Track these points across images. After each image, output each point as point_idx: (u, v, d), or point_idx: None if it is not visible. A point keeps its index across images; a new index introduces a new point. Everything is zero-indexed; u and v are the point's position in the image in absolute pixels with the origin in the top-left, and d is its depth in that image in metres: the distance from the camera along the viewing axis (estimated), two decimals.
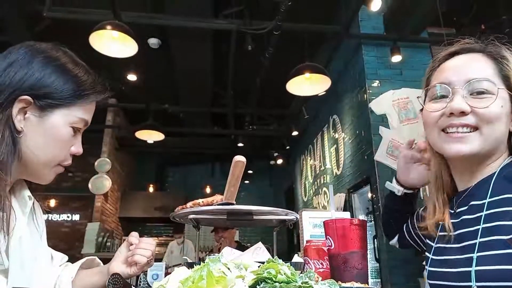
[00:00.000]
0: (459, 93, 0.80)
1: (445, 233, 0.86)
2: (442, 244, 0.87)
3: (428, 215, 0.92)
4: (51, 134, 0.80)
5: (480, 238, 0.74)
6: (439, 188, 0.92)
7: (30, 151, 0.79)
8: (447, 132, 0.81)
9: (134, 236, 1.02)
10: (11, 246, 0.80)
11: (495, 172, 0.80)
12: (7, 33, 5.02)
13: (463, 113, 0.78)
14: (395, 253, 4.18)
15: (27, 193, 0.88)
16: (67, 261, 1.09)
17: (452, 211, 0.87)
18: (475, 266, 0.72)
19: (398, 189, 1.09)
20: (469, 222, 0.80)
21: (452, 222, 0.85)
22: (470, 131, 0.79)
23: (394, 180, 1.11)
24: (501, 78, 0.81)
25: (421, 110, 0.93)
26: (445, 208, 0.90)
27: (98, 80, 0.87)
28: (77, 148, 0.85)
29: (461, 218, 0.83)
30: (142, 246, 0.99)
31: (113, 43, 3.89)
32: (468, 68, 0.82)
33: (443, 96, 0.83)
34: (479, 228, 0.76)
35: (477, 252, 0.73)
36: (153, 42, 5.88)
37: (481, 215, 0.76)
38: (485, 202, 0.77)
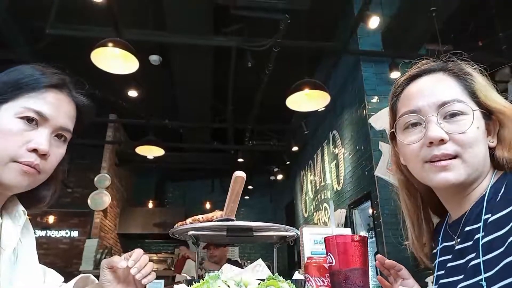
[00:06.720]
0: (433, 120, 0.77)
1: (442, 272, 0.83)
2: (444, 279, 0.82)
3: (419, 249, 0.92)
4: None
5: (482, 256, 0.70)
6: (421, 228, 0.91)
7: None
8: (431, 161, 0.78)
9: (117, 260, 0.86)
10: (2, 260, 0.79)
11: (485, 194, 0.77)
12: (9, 50, 5.07)
13: (442, 141, 0.76)
14: None
15: (20, 208, 0.87)
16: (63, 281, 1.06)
17: (454, 243, 0.82)
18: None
19: None
20: (465, 251, 0.76)
21: (448, 258, 0.82)
22: (452, 158, 0.77)
23: None
24: (468, 95, 0.79)
25: (391, 137, 0.91)
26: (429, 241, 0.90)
27: (46, 71, 0.86)
28: (35, 143, 0.80)
29: (456, 248, 0.79)
30: (142, 265, 0.87)
31: (114, 60, 3.92)
32: (433, 90, 0.80)
33: (415, 124, 0.81)
34: (478, 253, 0.71)
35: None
36: (154, 58, 5.94)
37: (478, 237, 0.72)
38: (480, 225, 0.73)
